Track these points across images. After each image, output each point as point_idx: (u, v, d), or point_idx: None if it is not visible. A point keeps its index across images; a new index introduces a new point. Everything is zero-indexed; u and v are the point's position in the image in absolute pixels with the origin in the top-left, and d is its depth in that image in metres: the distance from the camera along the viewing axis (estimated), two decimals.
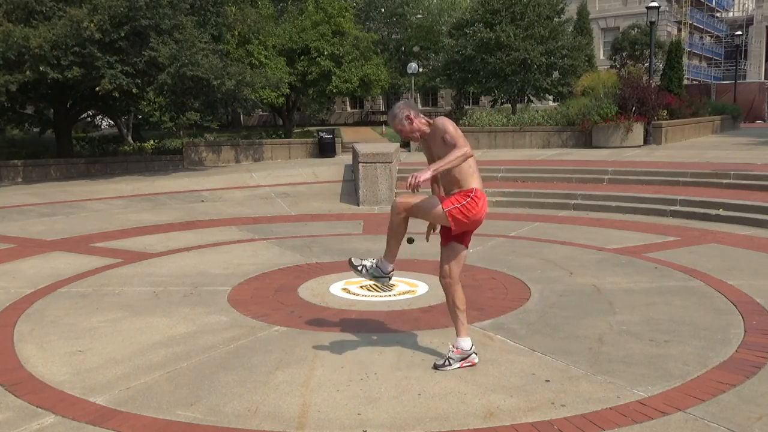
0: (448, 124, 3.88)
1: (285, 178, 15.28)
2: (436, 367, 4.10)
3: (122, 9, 13.92)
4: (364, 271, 4.19)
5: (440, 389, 3.85)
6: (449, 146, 3.80)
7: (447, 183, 4.02)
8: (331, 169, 16.10)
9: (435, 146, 3.97)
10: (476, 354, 4.17)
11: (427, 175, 3.68)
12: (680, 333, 4.74)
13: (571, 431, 3.33)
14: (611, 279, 6.35)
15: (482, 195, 3.97)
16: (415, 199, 3.97)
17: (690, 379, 3.92)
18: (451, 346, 4.16)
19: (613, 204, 10.82)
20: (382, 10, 37.69)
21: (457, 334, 4.15)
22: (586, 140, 18.55)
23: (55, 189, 14.17)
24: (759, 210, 9.36)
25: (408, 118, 3.97)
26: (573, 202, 11.27)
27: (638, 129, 18.16)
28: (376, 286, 6.19)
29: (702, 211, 9.81)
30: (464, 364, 4.11)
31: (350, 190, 13.68)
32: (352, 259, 4.25)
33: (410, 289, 6.10)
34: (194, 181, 15.04)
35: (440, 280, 4.19)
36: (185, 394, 3.85)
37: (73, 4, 14.46)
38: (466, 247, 4.15)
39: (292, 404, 3.70)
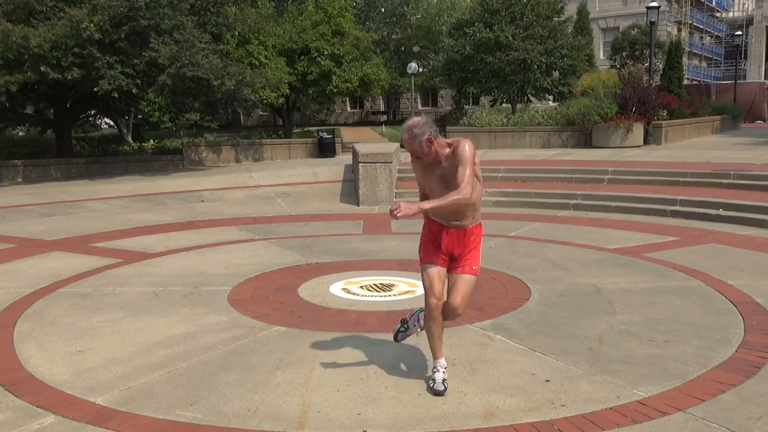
0: (468, 154, 3.57)
1: (285, 178, 15.28)
2: (438, 393, 3.81)
3: (122, 9, 13.92)
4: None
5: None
6: (455, 177, 3.57)
7: (462, 208, 3.69)
8: (331, 169, 16.10)
9: (444, 168, 3.68)
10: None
11: (415, 210, 3.42)
12: (680, 333, 4.74)
13: (571, 431, 3.33)
14: (611, 279, 6.35)
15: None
16: (454, 298, 3.76)
17: (690, 379, 3.92)
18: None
19: (613, 204, 10.82)
20: (382, 10, 37.69)
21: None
22: (586, 140, 18.56)
23: (55, 189, 14.17)
24: (759, 210, 9.36)
25: (429, 141, 3.59)
26: (573, 202, 11.27)
27: (638, 129, 18.16)
28: (376, 286, 6.21)
29: (702, 211, 9.81)
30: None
31: (350, 190, 13.67)
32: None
33: (410, 289, 6.10)
34: (194, 181, 15.04)
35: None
36: (185, 394, 3.85)
37: (73, 4, 14.46)
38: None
39: (292, 404, 3.70)
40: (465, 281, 3.79)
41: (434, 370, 3.87)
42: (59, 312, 5.59)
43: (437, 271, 3.81)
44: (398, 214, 3.36)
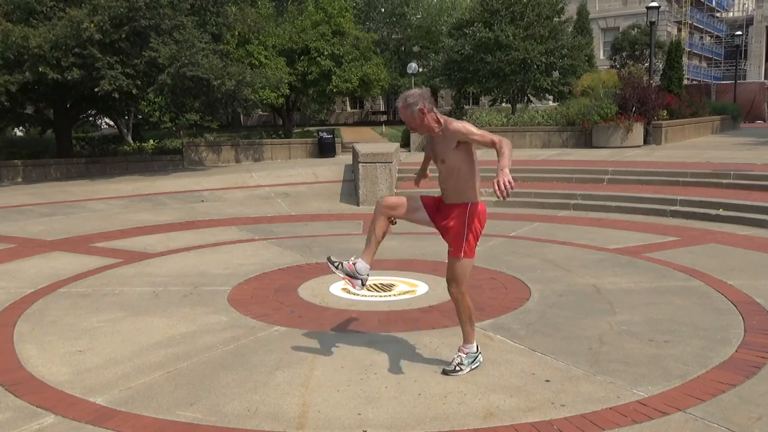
0: (469, 126, 3.70)
1: (285, 178, 15.28)
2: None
3: (122, 9, 13.92)
4: (462, 368, 4.07)
5: (440, 389, 3.85)
6: (468, 151, 3.72)
7: (451, 188, 3.85)
8: (331, 169, 16.10)
9: (440, 147, 3.82)
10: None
11: (508, 176, 3.41)
12: (680, 333, 4.74)
13: (571, 431, 3.33)
14: (611, 279, 6.35)
15: (482, 207, 3.92)
16: (448, 277, 3.94)
17: (690, 379, 3.92)
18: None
19: (613, 204, 10.82)
20: (382, 10, 37.69)
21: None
22: (586, 140, 18.55)
23: (55, 189, 14.18)
24: (759, 210, 9.36)
25: (421, 111, 3.70)
26: (573, 202, 11.27)
27: (638, 129, 18.16)
28: (376, 286, 6.20)
29: (702, 211, 9.81)
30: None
31: (350, 190, 13.67)
32: (446, 368, 4.11)
33: (410, 289, 6.10)
34: (194, 181, 15.04)
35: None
36: (185, 394, 3.85)
37: (73, 5, 14.46)
38: None
39: (292, 404, 3.70)
40: (449, 263, 3.96)
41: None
42: (59, 312, 5.59)
43: (413, 200, 3.99)
44: (512, 185, 3.37)
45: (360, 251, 4.08)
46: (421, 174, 4.43)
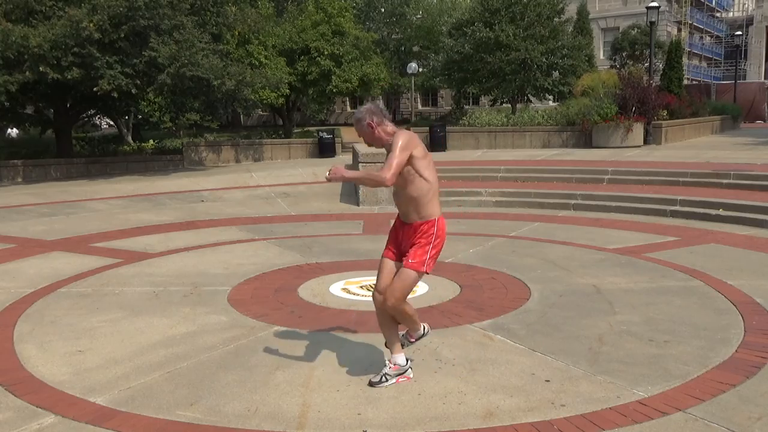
0: (399, 142, 3.61)
1: (285, 178, 15.28)
2: (371, 384, 3.93)
3: (121, 9, 13.92)
4: (387, 380, 3.95)
5: (440, 389, 3.85)
6: (417, 167, 3.68)
7: (405, 203, 3.78)
8: None
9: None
10: (411, 369, 4.05)
11: (346, 175, 3.53)
12: (680, 333, 4.74)
13: (571, 431, 3.33)
14: (611, 279, 6.35)
15: (442, 223, 3.81)
16: (391, 287, 3.75)
17: (690, 379, 3.92)
18: (388, 362, 4.04)
19: (613, 204, 10.82)
20: (382, 10, 37.65)
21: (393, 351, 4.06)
22: (586, 140, 18.56)
23: (55, 189, 14.17)
24: (759, 210, 9.36)
25: (369, 125, 3.73)
26: (573, 202, 11.27)
27: (638, 129, 18.17)
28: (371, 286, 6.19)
29: (702, 211, 9.81)
30: (400, 380, 3.96)
31: (350, 190, 13.67)
32: (372, 379, 3.99)
33: None
34: (194, 181, 15.04)
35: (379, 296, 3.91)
36: (185, 394, 3.85)
37: (73, 4, 14.45)
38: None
39: (292, 404, 3.70)
40: (400, 273, 3.79)
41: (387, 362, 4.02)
42: (59, 312, 5.59)
43: (385, 264, 3.92)
44: (337, 175, 3.52)
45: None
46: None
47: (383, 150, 3.84)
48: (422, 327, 4.07)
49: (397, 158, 3.59)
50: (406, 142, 3.64)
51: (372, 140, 3.81)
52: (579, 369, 4.11)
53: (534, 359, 4.30)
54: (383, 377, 3.95)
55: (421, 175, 3.71)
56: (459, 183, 13.15)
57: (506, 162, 14.67)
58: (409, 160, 3.66)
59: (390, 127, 3.80)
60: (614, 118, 17.85)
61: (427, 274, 3.84)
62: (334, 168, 3.55)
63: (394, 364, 3.98)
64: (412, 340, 4.09)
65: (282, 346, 4.64)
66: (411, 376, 4.03)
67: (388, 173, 3.56)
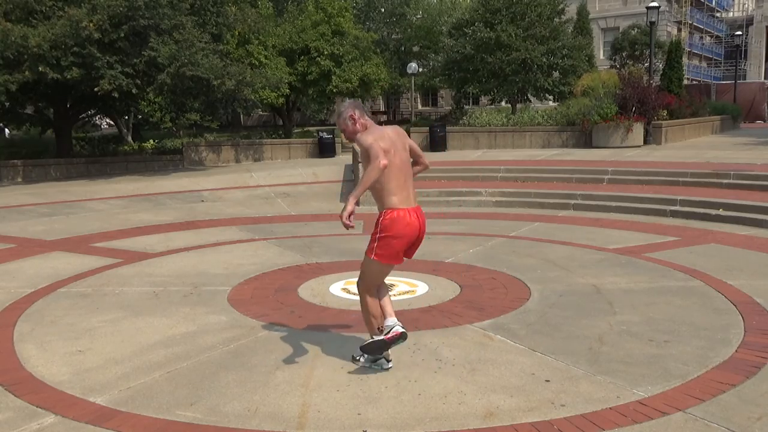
0: (365, 142, 3.74)
1: (285, 178, 15.28)
2: (353, 359, 4.24)
3: (121, 9, 13.91)
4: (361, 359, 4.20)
5: (440, 389, 3.85)
6: (366, 159, 3.78)
7: (375, 198, 3.99)
8: (331, 169, 16.09)
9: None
10: (401, 326, 4.06)
11: (349, 208, 3.69)
12: (680, 333, 4.74)
13: (571, 431, 3.33)
14: (611, 279, 6.35)
15: (397, 213, 3.86)
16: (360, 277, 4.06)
17: (690, 379, 3.92)
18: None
19: (613, 204, 10.82)
20: (382, 10, 37.62)
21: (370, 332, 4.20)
22: (586, 140, 18.55)
23: (55, 189, 14.17)
24: (759, 210, 9.36)
25: (352, 118, 3.91)
26: (573, 202, 11.27)
27: (638, 129, 18.16)
28: None
29: (702, 211, 9.81)
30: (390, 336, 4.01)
31: (350, 190, 13.61)
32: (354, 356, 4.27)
33: (410, 289, 6.10)
34: (194, 181, 15.03)
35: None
36: (185, 394, 3.85)
37: (72, 4, 14.44)
38: (408, 257, 4.12)
39: (292, 404, 3.70)
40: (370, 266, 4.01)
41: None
42: (59, 312, 5.59)
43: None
44: (345, 215, 3.70)
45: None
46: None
47: None
48: (387, 330, 4.00)
49: (372, 146, 3.72)
50: (370, 134, 3.81)
51: (353, 132, 3.94)
52: (579, 369, 4.11)
53: (534, 359, 4.30)
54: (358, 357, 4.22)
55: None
56: (459, 183, 13.15)
57: (506, 162, 14.66)
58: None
59: (369, 122, 3.97)
60: (614, 118, 17.84)
61: (378, 261, 3.92)
62: (342, 216, 3.70)
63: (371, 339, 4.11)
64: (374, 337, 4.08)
65: (282, 346, 4.64)
66: (400, 330, 4.00)
67: (375, 160, 3.68)
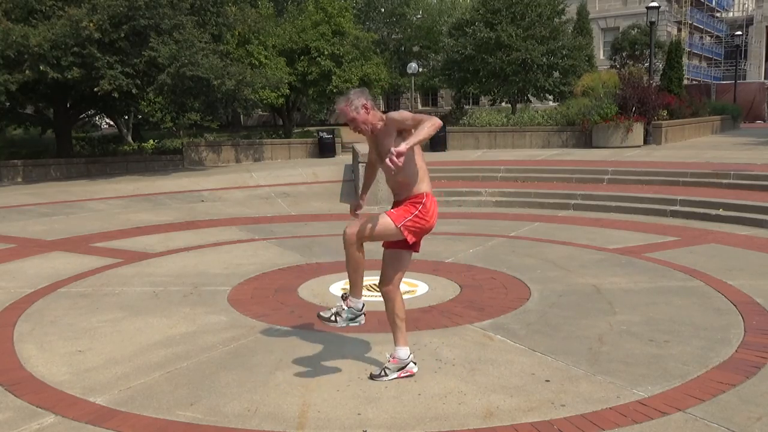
0: (405, 113, 3.64)
1: (285, 178, 15.28)
2: (372, 377, 3.97)
3: (121, 9, 13.91)
4: (338, 319, 3.81)
5: (440, 389, 3.85)
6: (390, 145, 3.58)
7: (395, 187, 3.82)
8: (331, 169, 16.10)
9: (384, 142, 3.71)
10: (415, 363, 4.04)
11: (403, 147, 3.37)
12: (680, 333, 4.74)
13: (571, 431, 3.33)
14: (611, 279, 6.35)
15: (433, 199, 3.81)
16: (363, 224, 3.70)
17: (690, 379, 3.92)
18: (388, 356, 4.04)
19: (613, 204, 10.82)
20: (382, 10, 37.62)
21: (396, 343, 4.01)
22: (586, 140, 18.55)
23: (55, 189, 14.17)
24: (759, 210, 9.36)
25: (365, 107, 3.70)
26: (573, 202, 11.27)
27: (638, 129, 18.17)
28: (376, 286, 6.20)
29: (702, 211, 9.81)
30: (402, 375, 3.97)
31: (350, 190, 13.67)
32: (321, 313, 3.86)
33: (410, 289, 6.09)
34: (194, 181, 15.03)
35: (380, 287, 3.99)
36: (185, 394, 3.85)
37: (73, 4, 14.45)
38: (417, 251, 4.03)
39: (292, 404, 3.70)
40: (373, 217, 3.76)
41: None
42: (59, 312, 5.59)
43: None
44: (400, 152, 3.34)
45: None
46: (365, 191, 4.30)
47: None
48: (361, 304, 3.88)
49: (414, 115, 3.61)
50: (403, 113, 3.68)
51: (362, 123, 3.74)
52: (579, 369, 4.11)
53: (534, 359, 4.29)
54: (383, 371, 3.97)
55: (414, 152, 3.73)
56: (459, 183, 13.15)
57: (506, 162, 14.66)
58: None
59: (378, 113, 3.80)
60: (614, 118, 17.85)
61: (402, 234, 3.72)
62: (391, 154, 3.34)
63: (393, 358, 3.98)
64: (346, 306, 3.83)
65: (282, 346, 4.64)
66: (415, 371, 4.01)
67: (431, 119, 3.53)
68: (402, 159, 3.36)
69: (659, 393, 3.73)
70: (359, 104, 3.71)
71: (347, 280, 6.42)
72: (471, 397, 3.73)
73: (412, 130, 3.59)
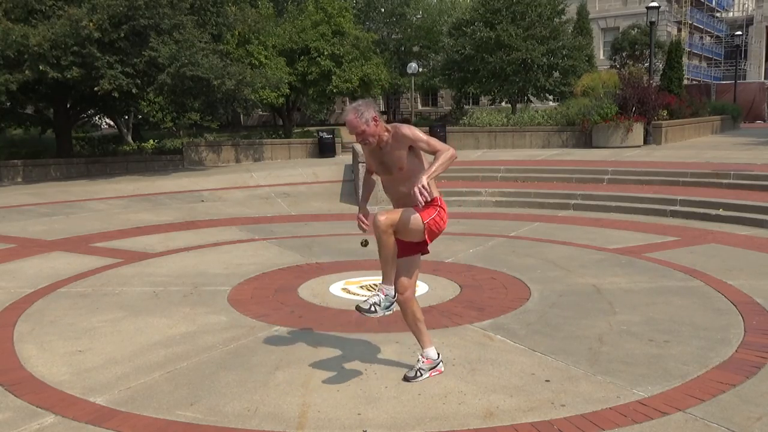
0: (417, 131, 3.68)
1: (285, 178, 15.28)
2: (407, 379, 3.98)
3: (121, 8, 13.91)
4: (377, 309, 3.75)
5: (440, 389, 3.85)
6: (419, 155, 3.69)
7: (400, 197, 3.81)
8: (331, 169, 16.10)
9: (393, 155, 3.72)
10: (442, 362, 4.11)
11: (425, 180, 3.43)
12: (680, 333, 4.74)
13: (571, 431, 3.33)
14: (611, 279, 6.35)
15: (444, 204, 3.87)
16: (396, 214, 3.67)
17: (690, 379, 3.92)
18: (421, 357, 4.05)
19: (613, 204, 10.82)
20: (382, 10, 37.62)
21: (423, 346, 4.05)
22: (586, 140, 18.56)
23: (55, 189, 14.17)
24: (759, 210, 9.36)
25: (374, 120, 3.68)
26: (573, 202, 11.27)
27: (638, 129, 18.17)
28: (376, 286, 6.20)
29: (702, 211, 9.81)
30: (433, 374, 4.02)
31: (350, 190, 13.67)
32: (360, 305, 3.78)
33: None
34: (194, 181, 15.03)
35: (399, 295, 3.93)
36: (185, 394, 3.85)
37: (72, 3, 14.45)
38: (427, 252, 4.06)
39: (292, 404, 3.70)
40: (406, 212, 3.71)
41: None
42: (59, 312, 5.59)
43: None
44: (425, 186, 3.41)
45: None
46: (366, 200, 4.33)
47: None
48: (393, 291, 3.86)
49: (431, 139, 3.71)
50: (414, 129, 3.73)
51: (370, 135, 3.71)
52: (579, 369, 4.11)
53: (534, 359, 4.29)
54: (417, 372, 4.00)
55: (421, 161, 3.79)
56: (459, 183, 13.15)
57: (506, 162, 14.67)
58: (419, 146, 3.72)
59: (384, 124, 3.80)
60: (614, 118, 17.85)
61: (424, 233, 3.72)
62: (419, 188, 3.40)
63: (427, 358, 4.03)
64: (383, 294, 3.79)
65: (282, 346, 4.64)
66: (443, 369, 4.07)
67: (445, 146, 3.67)
68: (422, 196, 3.42)
69: (659, 393, 3.73)
70: (369, 117, 3.68)
71: (347, 279, 6.46)
72: (471, 397, 3.73)
73: (426, 150, 3.71)
